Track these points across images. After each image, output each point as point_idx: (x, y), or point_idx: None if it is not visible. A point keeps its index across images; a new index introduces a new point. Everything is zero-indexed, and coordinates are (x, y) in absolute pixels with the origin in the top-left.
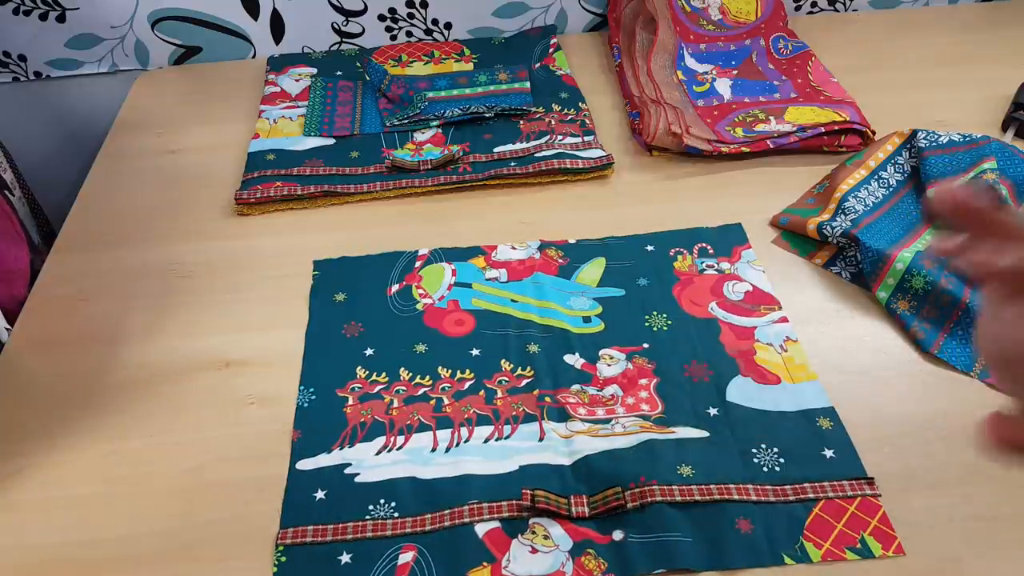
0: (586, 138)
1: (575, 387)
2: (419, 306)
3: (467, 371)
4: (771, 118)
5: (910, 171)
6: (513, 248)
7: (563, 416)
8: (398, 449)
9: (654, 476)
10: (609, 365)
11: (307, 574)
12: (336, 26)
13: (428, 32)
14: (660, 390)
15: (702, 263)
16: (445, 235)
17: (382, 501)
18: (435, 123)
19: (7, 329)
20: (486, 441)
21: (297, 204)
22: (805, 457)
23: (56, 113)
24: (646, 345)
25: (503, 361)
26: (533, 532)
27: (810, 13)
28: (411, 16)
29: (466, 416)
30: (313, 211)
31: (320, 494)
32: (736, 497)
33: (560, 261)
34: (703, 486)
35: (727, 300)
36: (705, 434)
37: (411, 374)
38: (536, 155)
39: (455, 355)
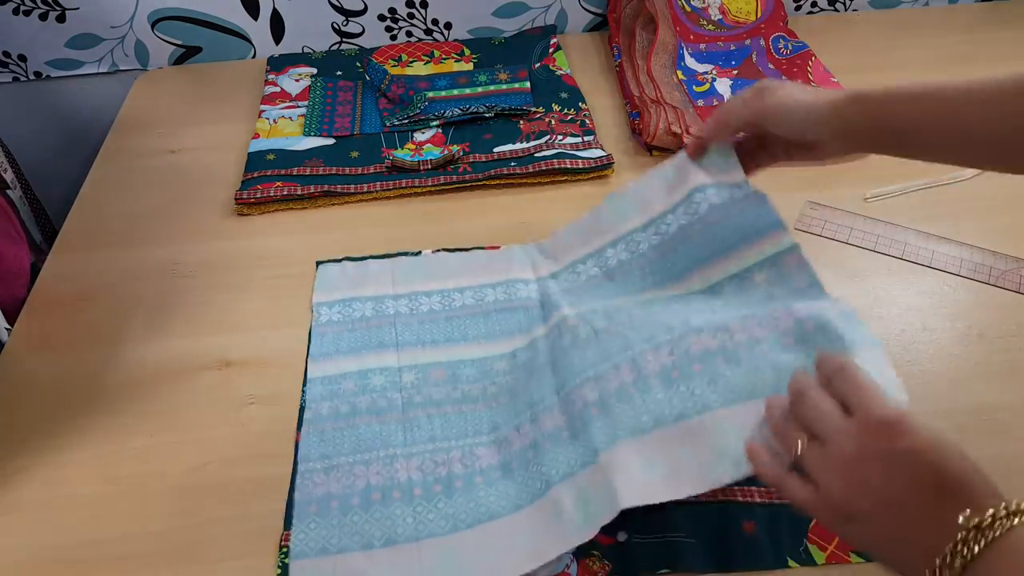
0: (586, 138)
1: None
2: None
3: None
4: None
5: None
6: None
7: None
8: None
9: None
10: None
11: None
12: (336, 26)
13: (428, 32)
14: None
15: None
16: (445, 235)
17: None
18: (435, 123)
19: (7, 329)
20: None
21: (297, 204)
22: None
23: (56, 113)
24: None
25: None
26: None
27: (810, 13)
28: (411, 16)
29: None
30: (313, 211)
31: None
32: (740, 499)
33: None
34: None
35: None
36: None
37: None
38: (536, 155)
39: None
